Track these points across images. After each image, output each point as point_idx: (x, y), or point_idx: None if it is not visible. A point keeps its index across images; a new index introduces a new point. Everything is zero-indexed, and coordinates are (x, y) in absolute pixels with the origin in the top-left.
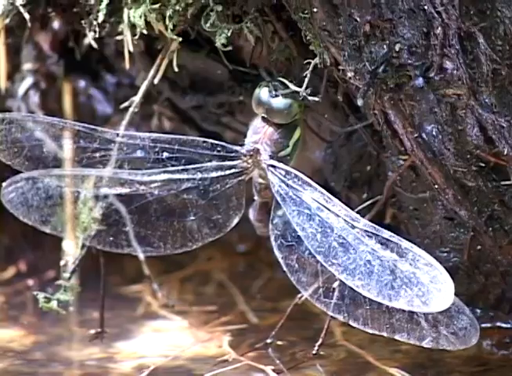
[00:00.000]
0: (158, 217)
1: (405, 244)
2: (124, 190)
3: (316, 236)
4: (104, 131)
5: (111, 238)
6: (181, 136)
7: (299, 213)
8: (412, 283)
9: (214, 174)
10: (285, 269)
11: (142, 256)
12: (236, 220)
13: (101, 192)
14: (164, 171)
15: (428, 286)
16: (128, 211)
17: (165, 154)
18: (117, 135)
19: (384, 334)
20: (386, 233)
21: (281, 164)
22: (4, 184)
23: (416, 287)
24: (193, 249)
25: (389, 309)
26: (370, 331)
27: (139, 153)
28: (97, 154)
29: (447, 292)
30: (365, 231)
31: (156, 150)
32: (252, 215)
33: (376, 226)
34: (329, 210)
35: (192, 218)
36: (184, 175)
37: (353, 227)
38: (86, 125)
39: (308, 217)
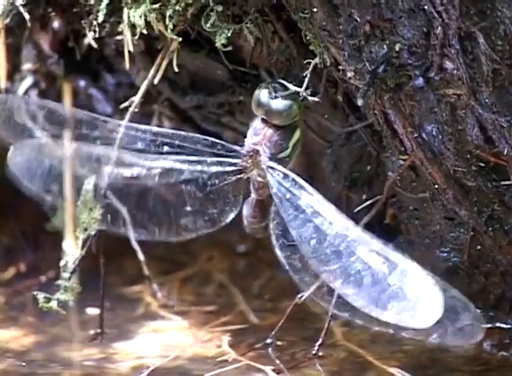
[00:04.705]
0: (156, 204)
1: (395, 257)
2: (126, 172)
3: (310, 241)
4: (106, 120)
5: (109, 216)
6: (182, 132)
7: (295, 217)
8: (400, 297)
9: (214, 169)
10: (287, 268)
11: (141, 256)
12: (231, 216)
13: (103, 170)
14: (166, 159)
15: (416, 301)
16: (127, 193)
17: (165, 148)
18: (119, 125)
19: (391, 331)
20: (377, 245)
21: (279, 167)
22: (11, 148)
23: (404, 301)
24: (187, 239)
25: None
26: (377, 329)
27: (140, 145)
28: (98, 142)
29: (435, 307)
30: (358, 241)
31: (157, 143)
32: (247, 210)
33: (370, 236)
34: (323, 217)
35: (189, 209)
36: (185, 166)
37: (346, 236)
38: (88, 113)
39: (303, 222)
